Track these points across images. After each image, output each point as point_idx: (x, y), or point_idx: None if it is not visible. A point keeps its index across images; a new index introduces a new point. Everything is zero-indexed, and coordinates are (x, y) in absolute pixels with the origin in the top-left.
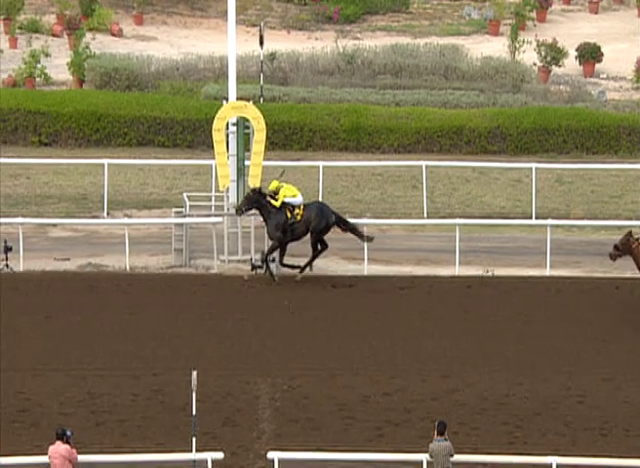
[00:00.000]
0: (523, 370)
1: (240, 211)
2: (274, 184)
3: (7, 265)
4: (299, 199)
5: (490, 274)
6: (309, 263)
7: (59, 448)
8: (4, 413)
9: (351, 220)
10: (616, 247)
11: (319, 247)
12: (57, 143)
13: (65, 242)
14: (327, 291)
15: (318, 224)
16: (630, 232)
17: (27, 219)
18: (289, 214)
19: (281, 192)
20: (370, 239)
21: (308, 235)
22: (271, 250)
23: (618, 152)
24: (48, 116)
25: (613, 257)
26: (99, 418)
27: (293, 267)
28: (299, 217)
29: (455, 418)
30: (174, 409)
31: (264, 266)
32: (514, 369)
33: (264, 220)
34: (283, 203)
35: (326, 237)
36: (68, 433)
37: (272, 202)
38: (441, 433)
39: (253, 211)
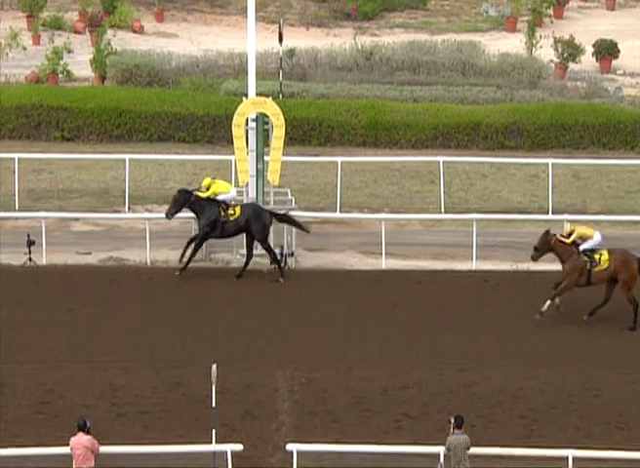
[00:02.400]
0: (539, 363)
1: (169, 214)
2: (206, 181)
3: (30, 259)
4: (231, 193)
5: (517, 268)
6: (244, 267)
7: (81, 440)
8: (27, 405)
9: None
10: (535, 248)
11: (254, 251)
12: (79, 139)
13: (87, 236)
14: (345, 284)
15: (254, 226)
16: (548, 231)
17: (50, 214)
18: (222, 213)
19: (212, 188)
20: (307, 229)
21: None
22: (194, 238)
23: (634, 148)
24: (70, 112)
25: (534, 258)
26: (120, 410)
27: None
28: (232, 217)
29: (472, 411)
30: (194, 402)
31: (283, 260)
32: (531, 362)
33: (197, 217)
34: (217, 201)
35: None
36: (87, 424)
37: (199, 194)
38: (459, 426)
39: (271, 204)
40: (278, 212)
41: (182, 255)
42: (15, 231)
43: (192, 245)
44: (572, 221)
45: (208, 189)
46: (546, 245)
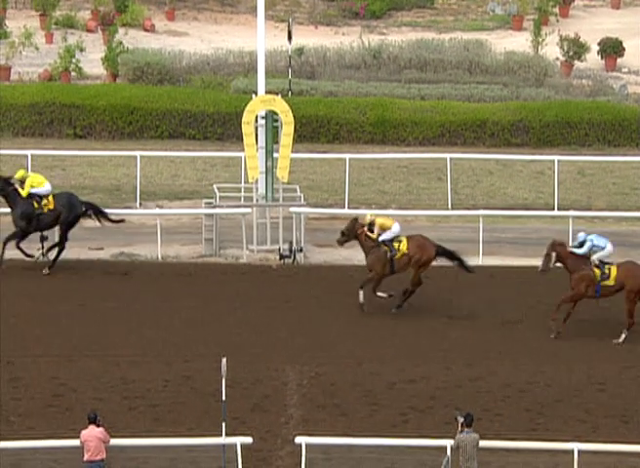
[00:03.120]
0: (545, 358)
1: None
2: (20, 173)
3: (43, 254)
4: (45, 188)
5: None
6: (55, 260)
7: (93, 432)
8: (39, 398)
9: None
10: (342, 233)
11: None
12: (91, 136)
13: (99, 232)
14: (353, 280)
15: (67, 216)
16: (356, 218)
17: None
18: (36, 205)
19: (27, 181)
20: (121, 221)
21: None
22: (11, 237)
23: (639, 145)
24: (82, 109)
25: (340, 243)
26: (131, 403)
27: (27, 255)
28: (45, 209)
29: (478, 405)
30: (204, 395)
31: (292, 256)
32: (536, 357)
33: (11, 209)
34: (30, 193)
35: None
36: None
37: (20, 191)
38: (469, 425)
39: (280, 200)
40: (93, 203)
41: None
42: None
43: (10, 243)
44: (372, 213)
45: (23, 181)
46: (353, 232)
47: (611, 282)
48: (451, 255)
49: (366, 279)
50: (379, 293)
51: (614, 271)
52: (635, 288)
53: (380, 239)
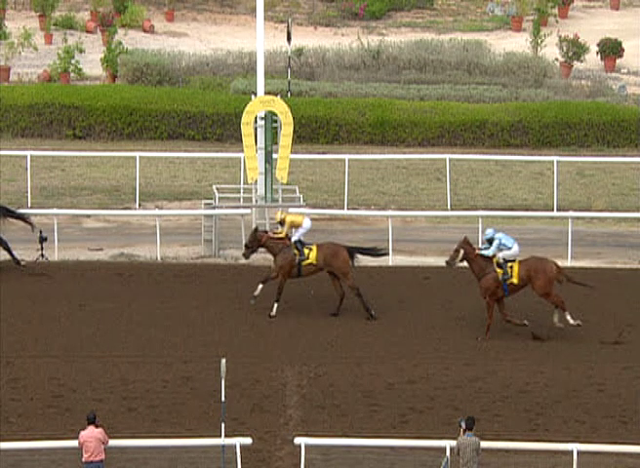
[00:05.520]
0: (544, 358)
1: None
2: None
3: (42, 255)
4: None
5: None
6: None
7: (93, 433)
8: (39, 399)
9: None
10: (246, 246)
11: None
12: (90, 137)
13: (99, 232)
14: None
15: None
16: (256, 228)
17: (62, 210)
18: None
19: None
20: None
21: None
22: None
23: (638, 146)
24: (82, 110)
25: (246, 256)
26: (130, 404)
27: None
28: None
29: (477, 406)
30: (203, 396)
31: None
32: (535, 357)
33: None
34: None
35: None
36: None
37: None
38: (469, 428)
39: (280, 201)
40: (6, 206)
41: None
42: (27, 228)
43: None
44: (282, 210)
45: None
46: (256, 242)
47: (514, 280)
48: (362, 251)
49: (268, 276)
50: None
51: (515, 269)
52: (541, 283)
53: (294, 239)
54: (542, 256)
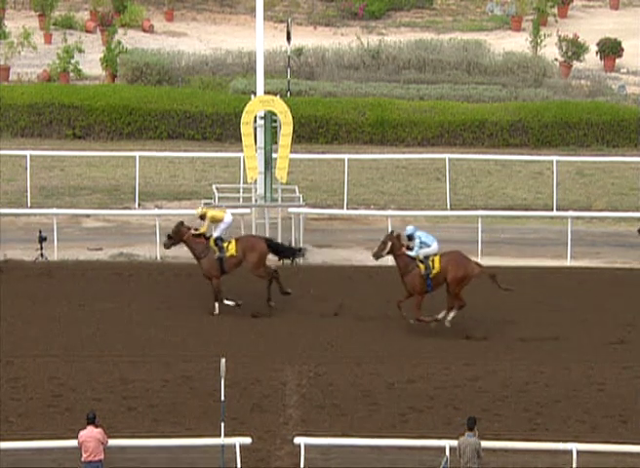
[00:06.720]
0: (544, 358)
1: None
2: None
3: (42, 255)
4: None
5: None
6: None
7: (92, 433)
8: (39, 398)
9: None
10: (168, 236)
11: None
12: (90, 136)
13: (98, 232)
14: (352, 280)
15: None
16: (182, 222)
17: (61, 210)
18: None
19: None
20: None
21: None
22: None
23: (638, 145)
24: (81, 110)
25: (166, 246)
26: (130, 403)
27: None
28: None
29: (477, 405)
30: (203, 395)
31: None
32: (535, 357)
33: None
34: None
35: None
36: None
37: None
38: (470, 428)
39: (279, 201)
40: None
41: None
42: (26, 227)
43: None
44: (204, 204)
45: None
46: (179, 235)
47: (435, 273)
48: (280, 249)
49: (215, 292)
50: (225, 302)
51: (437, 263)
52: (457, 275)
53: (215, 235)
54: (466, 256)
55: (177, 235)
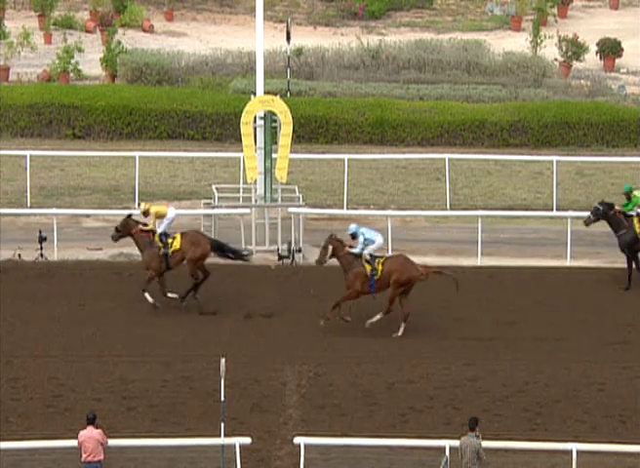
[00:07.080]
0: (544, 358)
1: None
2: None
3: (41, 255)
4: None
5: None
6: None
7: (92, 433)
8: (38, 398)
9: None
10: (116, 229)
11: None
12: (90, 136)
13: (98, 232)
14: None
15: None
16: (130, 215)
17: (61, 210)
18: None
19: None
20: None
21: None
22: None
23: (637, 145)
24: (81, 110)
25: (114, 239)
26: (130, 404)
27: None
28: None
29: (477, 405)
30: (203, 395)
31: (290, 256)
32: (535, 357)
33: None
34: None
35: None
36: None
37: None
38: (471, 429)
39: (279, 201)
40: None
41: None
42: (26, 227)
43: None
44: (145, 201)
45: None
46: (126, 229)
47: (379, 276)
48: (225, 249)
49: (145, 280)
50: (169, 295)
51: (381, 265)
52: (401, 278)
53: (159, 231)
54: (410, 259)
55: (124, 228)
